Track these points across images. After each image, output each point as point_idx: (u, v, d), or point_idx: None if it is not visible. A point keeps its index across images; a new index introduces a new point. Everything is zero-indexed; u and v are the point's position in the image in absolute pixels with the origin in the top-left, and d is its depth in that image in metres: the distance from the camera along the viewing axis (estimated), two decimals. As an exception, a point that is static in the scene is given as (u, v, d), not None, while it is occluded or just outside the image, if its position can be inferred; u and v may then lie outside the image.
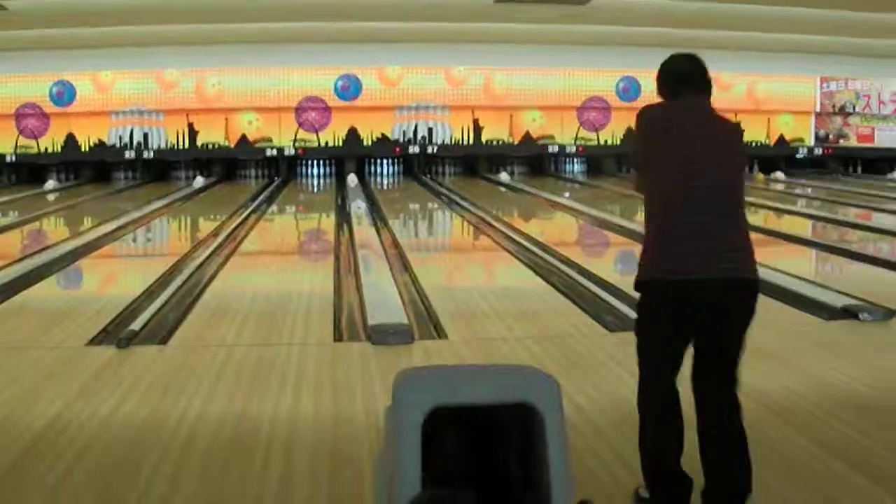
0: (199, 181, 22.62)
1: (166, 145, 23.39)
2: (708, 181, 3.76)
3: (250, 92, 23.21)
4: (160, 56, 22.38)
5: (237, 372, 6.12)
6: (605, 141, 24.42)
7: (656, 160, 3.86)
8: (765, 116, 25.41)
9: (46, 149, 23.18)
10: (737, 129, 4.21)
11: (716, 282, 3.69)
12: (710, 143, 3.86)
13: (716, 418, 3.85)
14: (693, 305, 3.74)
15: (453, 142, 24.14)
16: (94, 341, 7.01)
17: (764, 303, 8.23)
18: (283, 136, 23.55)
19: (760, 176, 24.83)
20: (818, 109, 25.64)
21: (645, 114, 4.09)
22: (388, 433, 2.76)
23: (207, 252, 11.29)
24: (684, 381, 3.92)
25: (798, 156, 25.98)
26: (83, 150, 23.26)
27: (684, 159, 3.77)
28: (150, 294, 8.78)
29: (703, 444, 3.85)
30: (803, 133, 25.75)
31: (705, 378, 3.90)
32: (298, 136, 23.58)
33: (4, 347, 6.90)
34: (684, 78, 4.01)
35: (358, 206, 16.31)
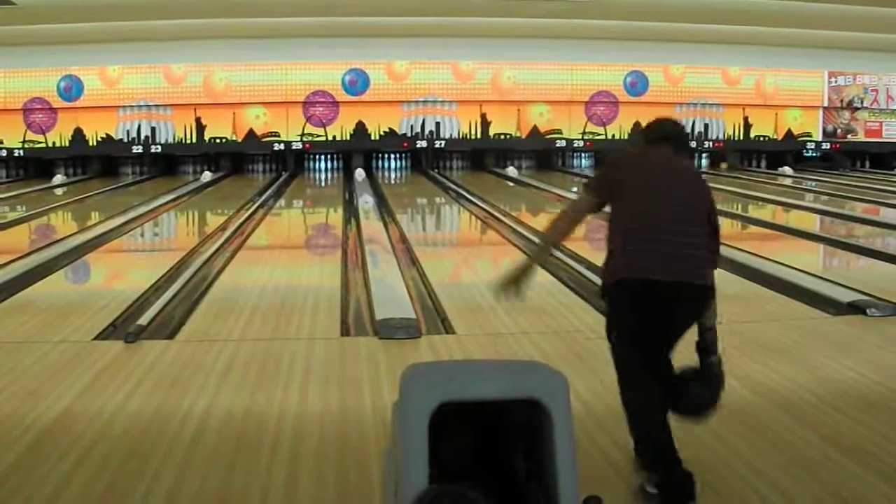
0: (207, 176, 22.66)
1: (174, 140, 23.43)
2: (675, 206, 4.19)
3: (258, 86, 23.25)
4: (168, 51, 22.42)
5: (244, 366, 6.12)
6: (613, 135, 24.41)
7: (632, 187, 4.27)
8: (772, 111, 25.38)
9: (54, 143, 23.23)
10: (700, 175, 4.68)
11: (672, 284, 4.07)
12: (679, 178, 4.35)
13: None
14: (654, 303, 4.11)
15: (461, 136, 24.16)
16: (101, 336, 7.02)
17: (771, 298, 8.25)
18: (291, 131, 23.57)
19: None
20: (826, 104, 25.59)
21: (626, 156, 4.71)
22: (395, 428, 2.76)
23: (215, 247, 11.31)
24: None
25: (806, 153, 26.00)
26: (91, 144, 23.32)
27: (657, 187, 4.25)
28: (157, 289, 8.80)
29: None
30: (811, 128, 25.73)
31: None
32: (306, 131, 23.60)
33: (12, 342, 6.91)
34: (666, 135, 4.52)
35: (365, 201, 16.32)
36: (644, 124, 4.71)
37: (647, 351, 4.17)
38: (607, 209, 4.34)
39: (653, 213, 4.17)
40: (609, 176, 4.46)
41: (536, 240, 4.81)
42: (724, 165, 25.46)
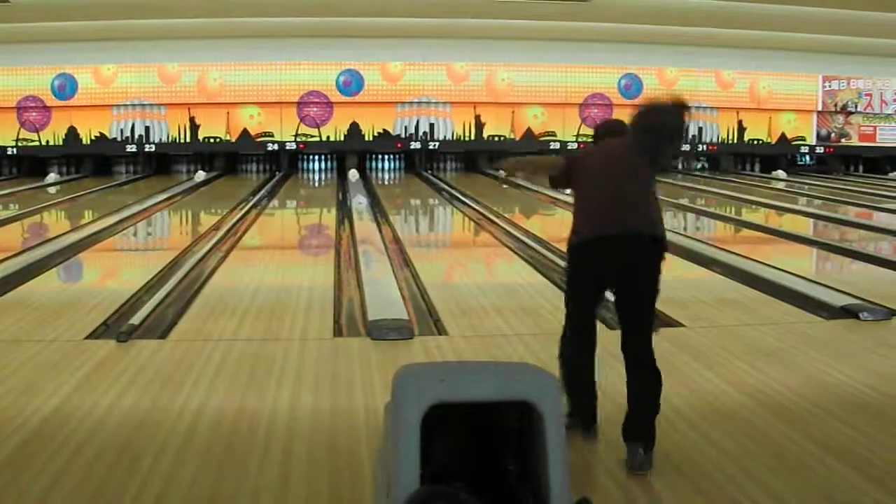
0: (201, 175, 22.64)
1: (168, 139, 23.42)
2: (619, 179, 4.83)
3: (252, 86, 23.25)
4: (162, 50, 22.42)
5: (237, 366, 6.11)
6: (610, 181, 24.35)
7: (584, 170, 5.00)
8: (766, 114, 25.42)
9: (48, 141, 23.21)
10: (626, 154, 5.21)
11: (623, 237, 4.68)
12: (620, 158, 4.92)
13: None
14: (609, 256, 4.74)
15: (455, 137, 24.18)
16: (93, 335, 7.01)
17: (764, 301, 8.26)
18: (285, 131, 23.57)
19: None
20: (820, 108, 25.63)
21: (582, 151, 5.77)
22: (387, 429, 2.76)
23: (208, 246, 11.29)
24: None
25: (799, 161, 26.09)
26: (84, 143, 23.32)
27: (605, 168, 4.93)
28: (150, 288, 8.78)
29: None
30: (805, 132, 25.76)
31: (625, 319, 4.94)
32: (300, 131, 23.59)
33: (4, 340, 6.89)
34: (608, 131, 5.28)
35: (359, 202, 16.31)
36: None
37: (584, 307, 5.05)
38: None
39: (595, 194, 4.87)
40: (575, 161, 5.12)
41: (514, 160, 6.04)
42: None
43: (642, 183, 4.87)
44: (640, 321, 4.85)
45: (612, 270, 4.78)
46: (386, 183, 23.06)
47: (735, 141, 25.49)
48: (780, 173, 24.98)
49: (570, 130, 24.40)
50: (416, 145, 23.99)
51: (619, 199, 4.76)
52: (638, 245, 4.71)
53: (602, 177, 4.89)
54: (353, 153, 23.89)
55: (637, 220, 4.73)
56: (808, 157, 26.43)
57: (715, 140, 25.30)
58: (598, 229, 4.76)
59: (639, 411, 4.57)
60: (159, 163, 24.05)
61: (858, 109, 25.84)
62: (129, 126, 23.31)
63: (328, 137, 23.72)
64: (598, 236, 4.76)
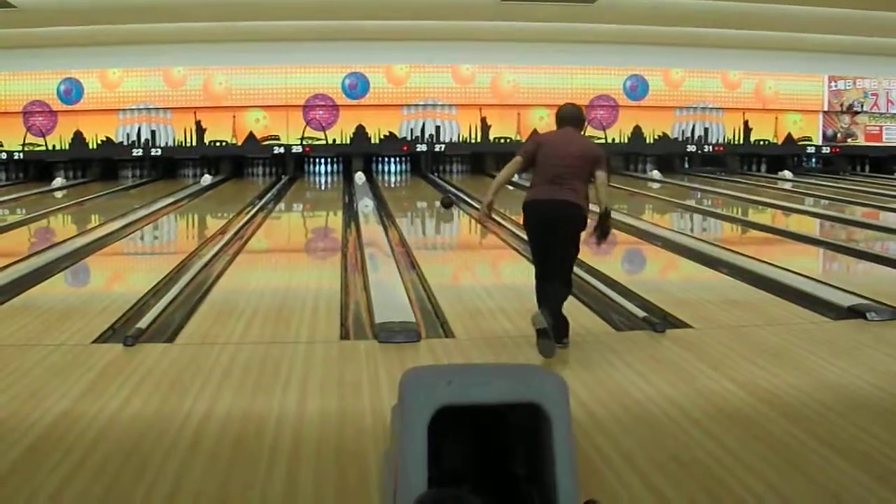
0: (207, 179, 22.67)
1: (174, 143, 23.44)
2: (565, 163, 6.78)
3: (258, 90, 23.27)
4: (168, 54, 22.44)
5: (244, 370, 6.12)
6: (613, 139, 24.42)
7: (543, 152, 6.89)
8: (772, 115, 25.39)
9: (54, 146, 23.24)
10: (592, 141, 7.60)
11: (551, 202, 6.72)
12: (571, 145, 6.92)
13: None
14: (542, 214, 6.79)
15: (461, 140, 24.17)
16: (100, 339, 7.02)
17: (771, 302, 8.27)
18: (291, 134, 23.58)
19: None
20: (826, 108, 25.60)
21: (543, 133, 7.30)
22: (394, 432, 2.76)
23: (214, 250, 11.31)
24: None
25: (805, 164, 26.07)
26: (91, 147, 23.34)
27: (556, 151, 6.86)
28: (157, 292, 8.80)
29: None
30: (811, 132, 25.73)
31: (551, 258, 6.73)
32: (306, 134, 23.61)
33: (11, 345, 6.91)
34: (568, 117, 7.15)
35: (365, 205, 16.33)
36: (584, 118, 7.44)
37: (542, 255, 6.78)
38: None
39: (549, 166, 6.80)
40: (532, 145, 7.03)
41: (484, 195, 7.41)
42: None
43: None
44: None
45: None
46: (392, 185, 23.06)
47: (741, 141, 25.47)
48: (787, 174, 24.95)
49: (575, 132, 24.35)
50: (422, 148, 23.99)
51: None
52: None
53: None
54: (360, 156, 23.90)
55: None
56: (813, 161, 26.42)
57: (721, 141, 25.28)
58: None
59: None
60: (165, 167, 24.08)
61: (864, 109, 25.81)
62: (136, 130, 23.34)
63: (334, 140, 23.74)
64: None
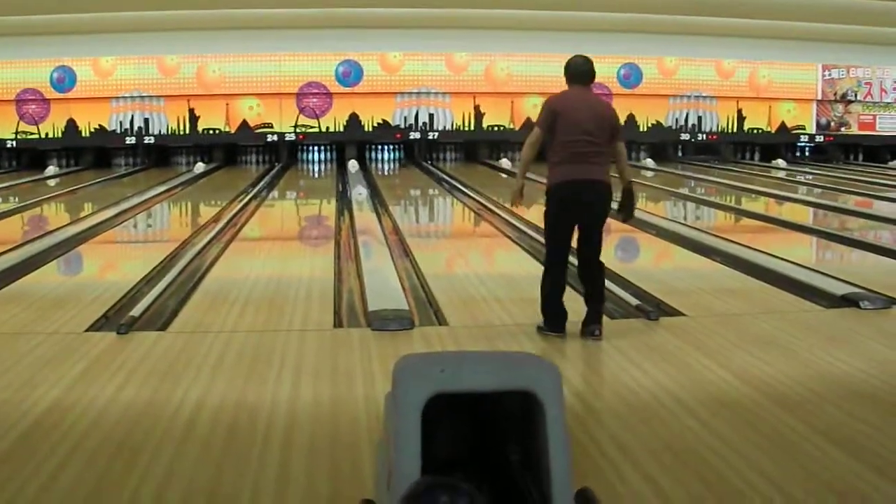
0: (200, 167, 22.64)
1: (167, 131, 23.40)
2: (588, 134, 6.47)
3: (251, 77, 23.21)
4: (161, 42, 22.37)
5: (237, 358, 6.11)
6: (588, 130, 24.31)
7: (562, 123, 6.46)
8: (766, 104, 25.39)
9: (47, 134, 23.18)
10: (608, 105, 7.11)
11: (586, 182, 6.46)
12: (590, 112, 6.57)
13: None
14: (578, 197, 6.49)
15: (454, 128, 24.15)
16: (93, 327, 7.01)
17: (764, 290, 8.26)
18: (284, 122, 23.54)
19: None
20: (820, 97, 25.60)
21: (560, 97, 6.70)
22: (387, 419, 2.75)
23: (208, 238, 11.28)
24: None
25: (800, 144, 26.07)
26: (84, 135, 23.28)
27: (576, 120, 6.48)
28: (150, 280, 8.79)
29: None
30: (805, 121, 25.74)
31: (586, 242, 6.64)
32: (299, 122, 23.57)
33: (4, 333, 6.90)
34: (578, 74, 6.72)
35: (359, 192, 16.31)
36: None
37: (564, 237, 6.60)
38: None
39: (571, 142, 6.44)
40: (551, 116, 6.51)
41: (516, 170, 7.18)
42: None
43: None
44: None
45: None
46: (386, 173, 23.05)
47: (735, 130, 25.47)
48: (780, 162, 24.97)
49: (569, 120, 24.32)
50: (415, 136, 23.97)
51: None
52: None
53: None
54: (353, 144, 23.86)
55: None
56: (806, 150, 26.44)
57: (715, 129, 25.27)
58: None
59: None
60: (158, 155, 24.02)
61: (858, 98, 25.82)
62: (129, 118, 23.28)
63: (327, 128, 23.70)
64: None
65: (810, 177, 21.95)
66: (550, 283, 6.61)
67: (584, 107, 6.58)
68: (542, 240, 8.74)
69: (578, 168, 6.44)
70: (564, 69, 6.79)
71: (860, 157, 26.68)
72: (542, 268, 6.76)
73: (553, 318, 6.60)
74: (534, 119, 6.58)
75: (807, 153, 26.50)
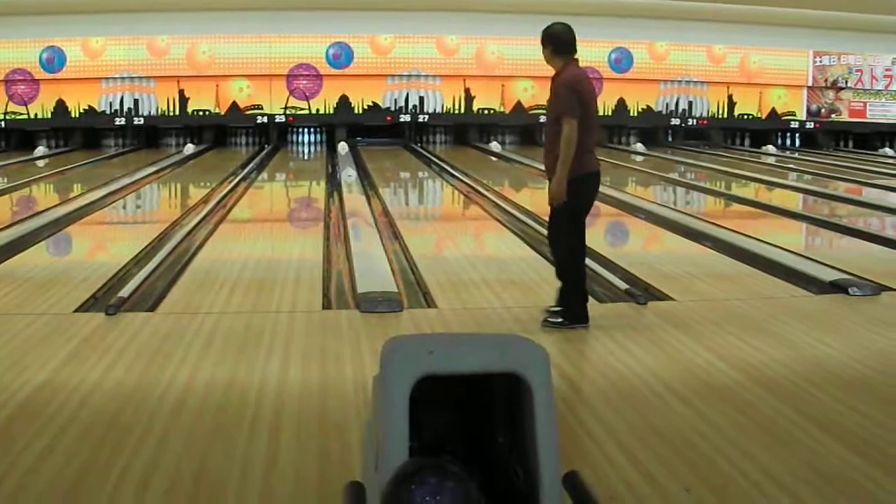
0: (190, 148, 22.58)
1: (157, 112, 23.33)
2: (597, 124, 6.55)
3: (241, 59, 23.14)
4: (151, 22, 22.29)
5: (226, 339, 6.11)
6: (597, 111, 24.33)
7: (584, 109, 6.24)
8: (757, 90, 25.39)
9: (36, 115, 23.10)
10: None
11: (598, 174, 6.46)
12: (594, 94, 6.57)
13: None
14: (597, 188, 6.53)
15: (444, 111, 24.11)
16: (82, 308, 7.00)
17: (753, 275, 8.27)
18: (274, 104, 23.49)
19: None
20: (810, 83, 25.61)
21: (576, 77, 6.44)
22: (376, 401, 2.75)
23: (197, 219, 11.27)
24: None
25: (792, 126, 26.09)
26: (73, 116, 23.20)
27: (593, 104, 6.47)
28: (139, 261, 8.77)
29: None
30: (795, 107, 25.75)
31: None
32: (289, 104, 23.52)
33: (-8, 313, 6.89)
34: (570, 44, 6.43)
35: (348, 175, 16.28)
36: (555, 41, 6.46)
37: (582, 223, 6.43)
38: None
39: (592, 130, 6.36)
40: (576, 100, 6.22)
41: (560, 166, 6.31)
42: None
43: None
44: None
45: None
46: (375, 156, 23.02)
47: (725, 116, 25.47)
48: (770, 148, 25.00)
49: (560, 104, 24.31)
50: (405, 118, 23.94)
51: None
52: None
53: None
54: (343, 126, 23.83)
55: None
56: (798, 138, 26.49)
57: (705, 114, 25.27)
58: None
59: None
60: (148, 136, 23.96)
61: (849, 85, 25.83)
62: (118, 99, 23.20)
63: (317, 110, 23.66)
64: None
65: (800, 163, 21.97)
66: (578, 268, 6.52)
67: (592, 89, 6.56)
68: (531, 223, 8.78)
69: (594, 158, 6.45)
70: (551, 38, 6.44)
71: (850, 143, 26.70)
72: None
73: (583, 307, 6.44)
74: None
75: (798, 141, 26.53)
